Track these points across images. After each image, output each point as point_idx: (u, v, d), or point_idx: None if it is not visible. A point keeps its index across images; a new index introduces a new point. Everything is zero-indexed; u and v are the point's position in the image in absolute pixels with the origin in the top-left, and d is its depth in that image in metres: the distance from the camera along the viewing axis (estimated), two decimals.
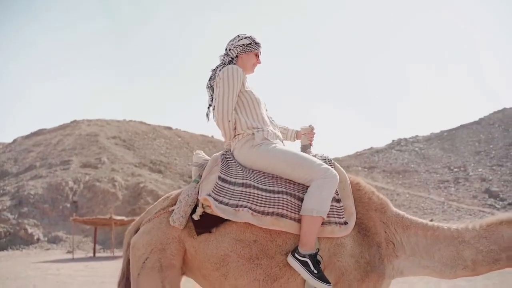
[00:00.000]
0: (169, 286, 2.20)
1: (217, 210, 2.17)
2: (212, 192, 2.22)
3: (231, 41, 2.59)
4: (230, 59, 2.57)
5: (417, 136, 50.06)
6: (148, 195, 28.65)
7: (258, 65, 2.64)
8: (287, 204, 2.23)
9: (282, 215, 2.21)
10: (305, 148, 2.64)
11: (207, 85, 2.59)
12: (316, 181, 2.25)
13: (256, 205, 2.19)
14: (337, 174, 2.32)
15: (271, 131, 2.49)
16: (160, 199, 2.54)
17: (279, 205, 2.21)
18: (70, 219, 22.71)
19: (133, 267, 2.30)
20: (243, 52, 2.56)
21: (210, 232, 2.25)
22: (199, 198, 2.27)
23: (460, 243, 2.31)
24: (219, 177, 2.28)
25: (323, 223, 2.22)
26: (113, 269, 12.71)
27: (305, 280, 2.16)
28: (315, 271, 2.12)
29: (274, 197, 2.23)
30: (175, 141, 45.46)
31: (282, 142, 2.59)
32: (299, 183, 2.35)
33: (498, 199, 29.87)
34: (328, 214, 2.23)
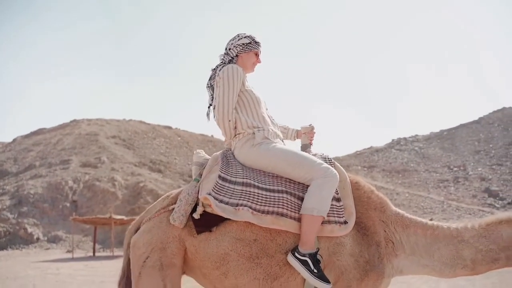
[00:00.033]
0: (170, 285, 2.21)
1: (217, 209, 2.18)
2: (213, 191, 2.22)
3: (231, 40, 2.59)
4: (230, 58, 2.57)
5: (416, 135, 50.02)
6: (148, 195, 28.61)
7: (258, 64, 2.64)
8: (287, 203, 2.24)
9: (282, 214, 2.21)
10: (305, 147, 2.64)
11: (207, 84, 2.59)
12: (317, 180, 2.26)
13: (257, 204, 2.20)
14: (337, 174, 2.32)
15: (272, 130, 2.49)
16: (160, 198, 2.54)
17: (279, 204, 2.22)
18: (70, 219, 22.70)
19: (133, 266, 2.30)
20: (243, 51, 2.56)
21: (210, 231, 2.25)
22: (199, 197, 2.27)
23: (459, 242, 2.32)
24: (220, 176, 2.29)
25: (323, 222, 2.23)
26: (113, 268, 12.72)
27: (305, 279, 2.17)
28: (315, 270, 2.12)
29: (275, 196, 2.24)
30: (175, 141, 45.41)
31: (282, 141, 2.59)
32: (299, 182, 2.35)
33: (497, 198, 29.86)
34: (328, 213, 2.23)
